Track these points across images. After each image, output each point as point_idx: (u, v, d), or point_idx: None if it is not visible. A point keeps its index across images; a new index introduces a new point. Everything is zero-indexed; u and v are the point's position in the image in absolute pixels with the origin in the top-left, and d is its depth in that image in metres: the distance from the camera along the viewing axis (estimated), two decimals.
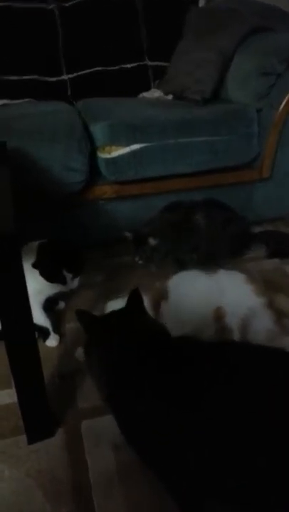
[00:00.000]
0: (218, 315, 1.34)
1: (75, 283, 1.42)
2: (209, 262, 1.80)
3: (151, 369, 0.87)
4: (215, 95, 1.98)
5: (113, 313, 1.04)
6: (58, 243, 1.40)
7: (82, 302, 1.64)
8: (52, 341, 1.44)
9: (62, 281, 1.38)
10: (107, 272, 1.82)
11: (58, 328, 1.50)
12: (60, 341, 1.46)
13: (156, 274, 1.79)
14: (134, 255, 1.75)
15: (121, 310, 1.03)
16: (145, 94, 2.25)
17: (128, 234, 1.73)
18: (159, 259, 1.78)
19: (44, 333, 1.45)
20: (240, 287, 1.40)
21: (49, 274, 1.35)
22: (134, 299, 1.04)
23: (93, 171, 1.73)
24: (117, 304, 1.37)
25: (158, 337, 0.94)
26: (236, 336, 1.33)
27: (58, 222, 1.79)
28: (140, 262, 1.75)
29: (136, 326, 0.97)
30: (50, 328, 1.45)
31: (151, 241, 1.71)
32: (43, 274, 1.34)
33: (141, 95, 2.25)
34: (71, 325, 1.54)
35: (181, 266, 1.82)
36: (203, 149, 1.76)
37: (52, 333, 1.45)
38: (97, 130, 1.68)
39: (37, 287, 1.35)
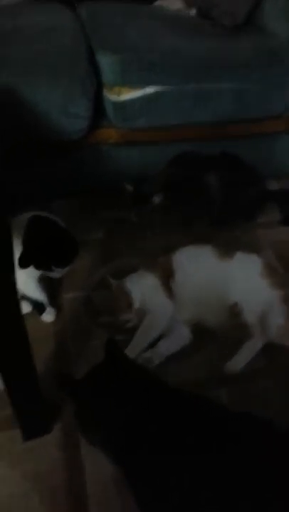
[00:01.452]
0: (235, 312, 1.24)
1: (64, 271, 1.27)
2: (219, 226, 1.66)
3: (162, 427, 0.80)
4: (248, 19, 1.64)
5: (95, 372, 0.94)
6: (48, 222, 1.22)
7: (79, 266, 1.50)
8: (48, 316, 1.34)
9: (50, 270, 1.24)
10: (108, 228, 1.65)
11: (54, 300, 1.39)
12: (58, 315, 1.36)
13: (159, 235, 1.65)
14: (131, 211, 1.57)
15: (103, 366, 0.94)
16: (163, 3, 1.85)
17: (129, 186, 1.53)
18: (160, 219, 1.62)
19: (39, 307, 1.34)
20: (256, 278, 1.29)
21: (36, 264, 1.20)
22: (112, 350, 0.95)
23: (97, 110, 1.47)
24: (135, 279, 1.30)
25: (155, 390, 0.88)
26: (257, 331, 1.24)
27: (53, 168, 1.57)
28: (135, 219, 1.58)
29: (128, 382, 0.89)
30: (46, 302, 1.34)
31: (156, 199, 1.53)
32: (30, 264, 1.19)
33: (158, 3, 1.86)
34: (69, 295, 1.42)
35: (188, 228, 1.67)
36: (229, 98, 1.50)
37: (48, 307, 1.35)
38: (106, 64, 1.39)
39: None
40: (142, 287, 1.28)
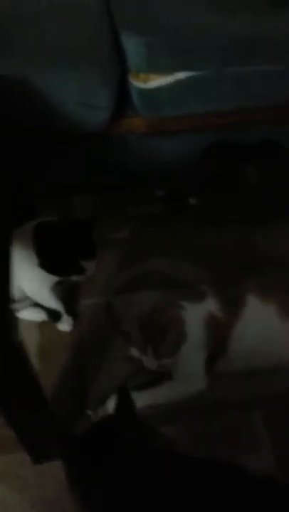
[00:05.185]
0: None
1: (92, 267, 1.17)
2: (254, 221, 1.50)
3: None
4: None
5: (100, 431, 0.83)
6: (55, 224, 1.16)
7: (101, 268, 1.40)
8: (64, 325, 1.27)
9: (80, 271, 1.14)
10: (132, 225, 1.53)
11: (71, 307, 1.30)
12: (75, 323, 1.28)
13: (188, 231, 1.51)
14: (170, 217, 1.44)
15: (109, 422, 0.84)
16: None
17: (160, 192, 1.40)
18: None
19: (55, 315, 1.27)
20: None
21: (63, 269, 1.11)
22: (124, 401, 0.84)
23: (122, 97, 1.33)
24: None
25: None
26: None
27: (74, 160, 1.45)
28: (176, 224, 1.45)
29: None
30: (62, 310, 1.26)
31: (192, 201, 1.39)
32: (54, 271, 1.11)
33: None
34: (89, 301, 1.33)
35: (222, 226, 1.52)
36: (272, 79, 1.30)
37: (64, 315, 1.27)
38: (131, 48, 1.22)
39: (43, 275, 1.13)
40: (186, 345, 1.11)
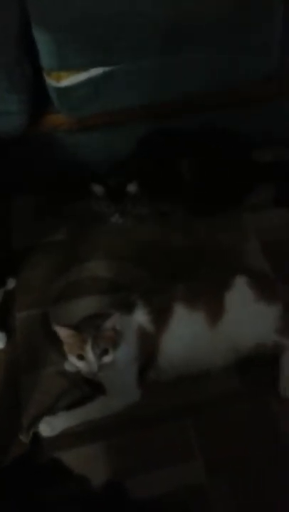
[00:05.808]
0: (262, 348, 1.11)
1: (10, 284, 1.13)
2: (198, 214, 1.45)
3: None
4: None
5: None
6: None
7: (37, 276, 1.36)
8: None
9: None
10: (70, 226, 1.47)
11: (4, 322, 1.27)
12: (9, 339, 1.23)
13: (130, 229, 1.45)
14: (111, 213, 1.38)
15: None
16: None
17: (97, 186, 1.33)
18: (140, 211, 1.42)
19: None
20: (256, 306, 1.11)
21: None
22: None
23: (42, 94, 1.23)
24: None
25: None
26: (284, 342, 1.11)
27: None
28: (121, 220, 1.39)
29: None
30: None
31: (132, 188, 1.32)
32: None
33: None
34: (23, 313, 1.29)
35: (165, 220, 1.46)
36: (199, 69, 1.22)
37: None
38: (41, 45, 1.12)
39: None
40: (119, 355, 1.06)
